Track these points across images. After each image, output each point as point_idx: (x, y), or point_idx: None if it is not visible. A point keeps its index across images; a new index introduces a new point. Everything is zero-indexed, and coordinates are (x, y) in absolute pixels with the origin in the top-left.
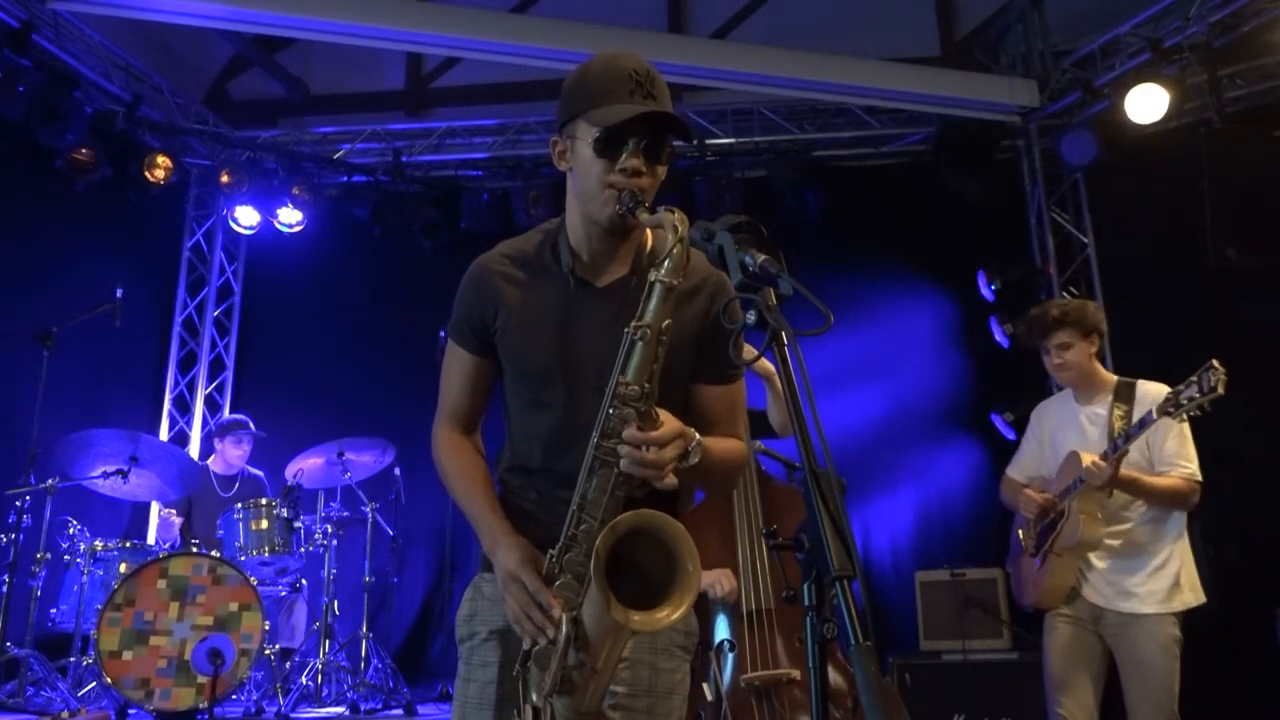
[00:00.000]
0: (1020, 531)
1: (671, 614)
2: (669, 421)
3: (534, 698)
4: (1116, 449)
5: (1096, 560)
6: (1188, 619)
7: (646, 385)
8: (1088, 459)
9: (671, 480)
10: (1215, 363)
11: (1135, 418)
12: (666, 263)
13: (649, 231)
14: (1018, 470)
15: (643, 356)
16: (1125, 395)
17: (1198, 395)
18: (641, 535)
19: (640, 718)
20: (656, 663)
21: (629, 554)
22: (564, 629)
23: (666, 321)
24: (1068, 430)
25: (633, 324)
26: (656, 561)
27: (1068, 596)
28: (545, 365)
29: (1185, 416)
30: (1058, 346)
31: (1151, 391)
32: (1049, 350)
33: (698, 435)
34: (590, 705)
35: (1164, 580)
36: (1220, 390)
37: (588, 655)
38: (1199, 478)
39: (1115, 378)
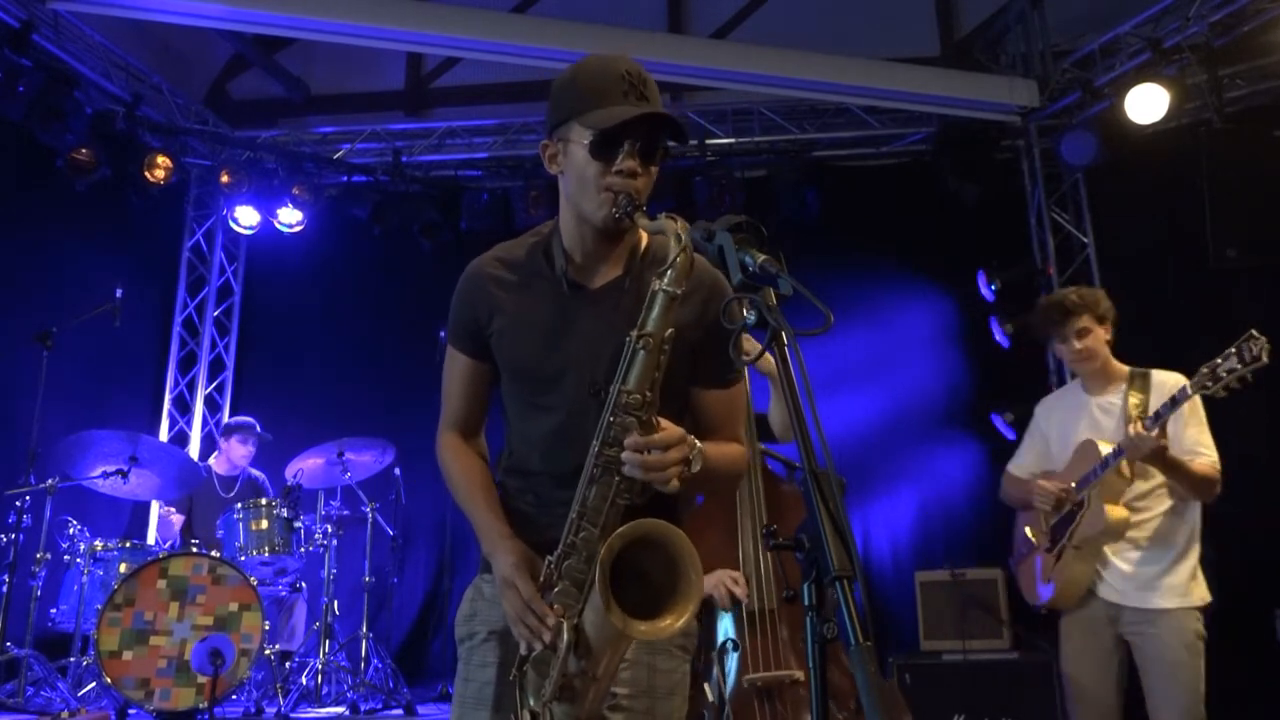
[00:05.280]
0: (1028, 528)
1: (674, 622)
2: (670, 429)
3: (531, 702)
4: (1157, 420)
5: (1114, 555)
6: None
7: (648, 394)
8: (1106, 446)
9: (676, 484)
10: (1254, 331)
11: (1152, 406)
12: (670, 272)
13: (641, 232)
14: (1019, 467)
15: (645, 365)
16: (1140, 384)
17: (1239, 366)
18: (644, 544)
19: (640, 718)
20: (655, 663)
21: (631, 561)
22: (565, 636)
23: (669, 330)
24: (1078, 422)
25: (635, 332)
26: (659, 569)
27: (1081, 598)
28: (540, 369)
29: (1223, 391)
30: (1078, 333)
31: (1168, 380)
32: (1068, 338)
33: (698, 443)
34: (589, 712)
35: (1183, 574)
36: (1264, 359)
37: (588, 663)
38: (1219, 466)
39: (1128, 368)
